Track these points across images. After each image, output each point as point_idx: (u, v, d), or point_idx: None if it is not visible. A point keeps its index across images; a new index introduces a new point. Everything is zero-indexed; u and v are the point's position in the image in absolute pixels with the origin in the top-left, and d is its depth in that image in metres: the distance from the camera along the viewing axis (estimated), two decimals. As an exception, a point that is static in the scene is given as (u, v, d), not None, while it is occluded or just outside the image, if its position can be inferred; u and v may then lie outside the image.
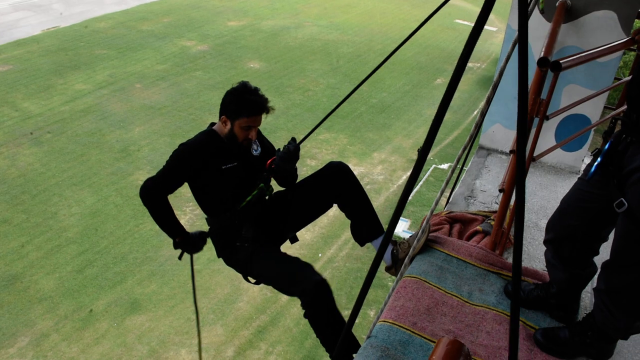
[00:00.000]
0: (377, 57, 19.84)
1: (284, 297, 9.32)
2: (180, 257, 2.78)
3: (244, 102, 2.51)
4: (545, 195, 3.64)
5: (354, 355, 2.48)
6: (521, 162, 0.92)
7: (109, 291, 9.38)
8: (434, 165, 13.38)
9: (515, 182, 0.81)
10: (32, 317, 8.83)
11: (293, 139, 2.66)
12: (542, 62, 2.17)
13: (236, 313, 9.01)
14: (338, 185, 2.70)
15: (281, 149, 2.65)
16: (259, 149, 2.74)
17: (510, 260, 2.81)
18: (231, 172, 2.60)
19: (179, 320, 8.79)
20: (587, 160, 4.11)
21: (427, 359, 2.13)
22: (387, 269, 2.73)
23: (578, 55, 2.30)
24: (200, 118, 14.90)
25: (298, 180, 2.89)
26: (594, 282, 2.30)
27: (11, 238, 10.40)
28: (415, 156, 13.82)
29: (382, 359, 2.08)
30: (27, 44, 18.66)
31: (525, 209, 3.40)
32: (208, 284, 9.36)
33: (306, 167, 12.43)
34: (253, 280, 2.74)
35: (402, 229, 10.80)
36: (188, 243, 2.71)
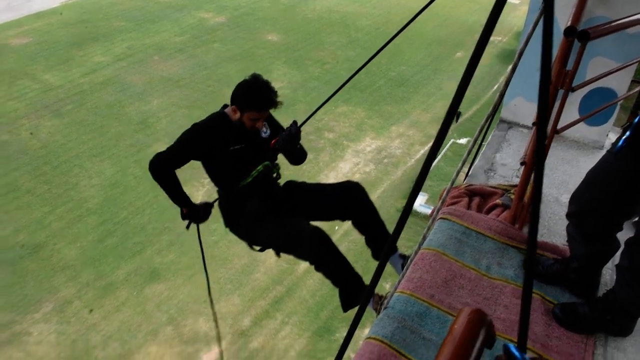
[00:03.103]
0: (396, 30, 19.43)
1: (300, 269, 9.41)
2: (187, 227, 2.95)
3: (255, 98, 2.64)
4: (567, 170, 3.57)
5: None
6: (542, 130, 0.89)
7: (129, 260, 9.56)
8: (452, 140, 13.24)
9: (536, 149, 0.79)
10: (55, 284, 9.07)
11: (294, 122, 2.78)
12: (569, 32, 2.10)
13: (253, 283, 9.14)
14: (351, 206, 2.86)
15: (284, 132, 2.78)
16: (268, 131, 2.88)
17: (529, 234, 2.79)
18: (239, 153, 2.74)
19: (197, 289, 8.94)
20: (612, 135, 4.02)
21: (444, 331, 2.13)
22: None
23: (607, 25, 2.22)
24: (219, 90, 14.88)
25: (316, 183, 3.06)
26: (615, 258, 2.27)
27: (34, 208, 10.61)
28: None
29: (398, 330, 2.08)
30: (47, 16, 18.69)
31: (547, 184, 3.36)
32: (225, 254, 9.48)
33: (324, 140, 12.39)
34: (257, 248, 2.89)
35: (420, 202, 10.77)
36: (194, 213, 2.86)
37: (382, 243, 2.93)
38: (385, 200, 11.21)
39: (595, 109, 3.40)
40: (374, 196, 11.57)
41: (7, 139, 12.56)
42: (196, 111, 13.77)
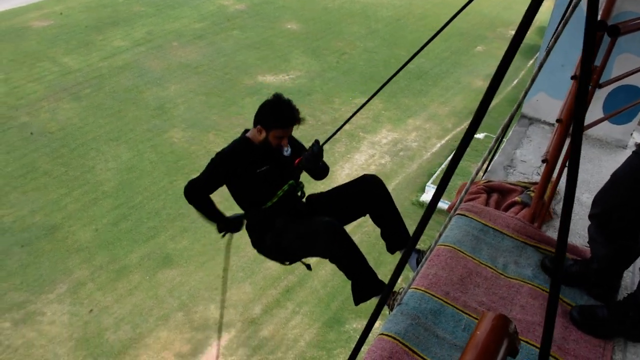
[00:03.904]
0: (417, 21, 19.31)
1: (312, 259, 9.38)
2: (223, 236, 3.09)
3: (279, 116, 2.76)
4: (589, 168, 3.49)
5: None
6: (578, 128, 0.84)
7: (143, 245, 9.63)
8: (470, 135, 13.07)
9: (571, 152, 0.73)
10: (69, 266, 9.17)
11: (316, 141, 2.85)
12: (599, 26, 2.03)
13: (265, 272, 9.15)
14: (371, 199, 2.91)
15: (307, 151, 2.85)
16: (289, 149, 2.96)
17: (549, 233, 2.72)
18: (264, 175, 2.86)
19: (209, 276, 8.99)
20: (636, 135, 3.92)
21: (458, 330, 2.09)
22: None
23: (638, 21, 2.14)
24: (236, 78, 14.87)
25: (333, 187, 3.09)
26: (637, 262, 2.20)
27: (51, 189, 10.73)
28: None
29: (411, 327, 2.04)
30: (68, 0, 18.80)
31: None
32: (238, 242, 9.44)
33: (340, 131, 12.31)
34: (288, 262, 2.96)
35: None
36: (229, 225, 3.01)
37: (398, 237, 2.91)
38: (399, 193, 11.14)
39: (621, 107, 3.31)
40: (388, 188, 11.48)
41: (26, 120, 12.69)
42: (213, 98, 13.79)
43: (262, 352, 8.09)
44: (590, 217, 2.25)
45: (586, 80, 0.75)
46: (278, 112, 2.76)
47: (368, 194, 2.90)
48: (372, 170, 11.72)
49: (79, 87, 14.11)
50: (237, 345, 8.05)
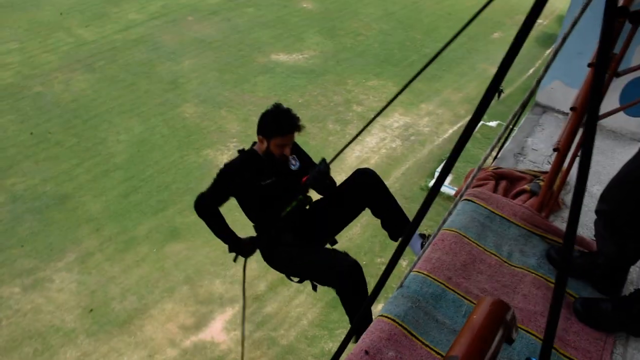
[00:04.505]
0: (433, 5, 19.01)
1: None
2: (235, 260, 3.09)
3: (278, 124, 2.78)
4: (600, 160, 3.44)
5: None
6: (593, 117, 0.82)
7: (151, 218, 9.71)
8: (482, 122, 12.96)
9: (584, 140, 0.72)
10: (79, 235, 9.28)
11: (323, 160, 2.85)
12: (621, 12, 1.98)
13: (271, 251, 9.19)
14: (367, 193, 2.93)
15: (314, 169, 2.85)
16: (297, 163, 3.01)
17: (556, 224, 2.70)
18: (270, 187, 2.88)
19: (216, 251, 9.05)
20: (652, 128, 3.85)
21: (458, 315, 2.09)
22: None
23: (662, 9, 2.08)
24: (250, 55, 14.78)
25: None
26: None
27: (63, 160, 10.81)
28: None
29: (412, 310, 2.05)
30: (84, -31, 18.71)
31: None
32: (245, 220, 9.54)
33: (352, 113, 12.24)
34: (296, 280, 2.99)
35: (444, 183, 10.63)
36: (240, 247, 3.08)
37: (397, 226, 2.92)
38: (409, 178, 11.09)
39: (638, 99, 3.25)
40: (398, 172, 11.46)
41: (40, 90, 12.75)
42: (226, 74, 13.73)
43: (265, 329, 8.17)
44: (597, 212, 2.22)
45: (603, 66, 0.73)
46: (276, 120, 2.78)
47: (363, 187, 2.91)
48: (382, 153, 11.67)
49: (93, 59, 14.12)
50: (241, 320, 8.15)
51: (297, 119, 2.79)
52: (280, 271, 3.04)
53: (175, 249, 9.18)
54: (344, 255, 2.73)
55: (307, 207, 3.00)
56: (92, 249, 9.07)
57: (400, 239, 2.99)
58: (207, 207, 2.90)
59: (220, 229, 2.96)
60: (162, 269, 8.84)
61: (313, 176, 2.79)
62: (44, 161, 10.72)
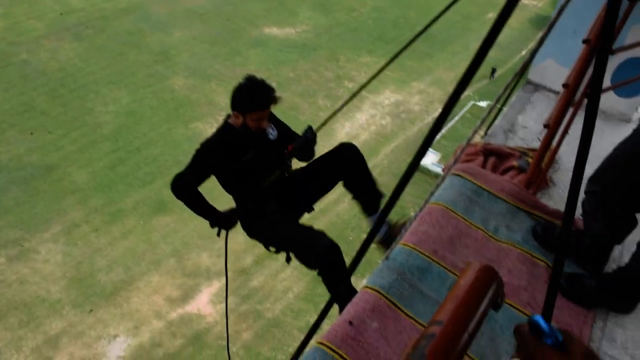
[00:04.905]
0: (430, -18, 18.84)
1: (306, 215, 9.42)
2: (218, 234, 2.97)
3: (252, 99, 2.65)
4: (589, 140, 3.45)
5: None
6: (595, 94, 0.80)
7: (138, 190, 9.65)
8: (472, 102, 12.95)
9: (585, 117, 0.70)
10: (64, 206, 9.20)
11: (310, 128, 2.74)
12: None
13: (258, 225, 9.21)
14: (344, 165, 2.86)
15: (301, 137, 2.74)
16: (275, 132, 2.86)
17: (543, 201, 2.70)
18: (251, 162, 2.77)
19: (203, 225, 8.93)
20: (642, 109, 3.86)
21: (444, 289, 2.09)
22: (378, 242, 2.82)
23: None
24: (242, 27, 14.57)
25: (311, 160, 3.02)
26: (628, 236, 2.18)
27: (49, 129, 10.65)
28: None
29: (397, 283, 2.04)
30: None
31: (566, 152, 3.24)
32: (223, 198, 9.52)
33: (343, 89, 12.16)
34: (273, 249, 2.93)
35: (432, 161, 10.64)
36: (222, 221, 2.93)
37: (371, 200, 2.89)
38: (398, 155, 11.10)
39: (628, 79, 3.24)
40: (387, 150, 11.45)
41: (26, 58, 12.49)
42: (218, 47, 13.54)
43: (251, 302, 8.22)
44: (587, 193, 2.22)
45: (609, 37, 0.70)
46: (250, 95, 2.67)
47: (342, 160, 2.85)
48: (372, 130, 11.64)
49: (81, 28, 13.85)
50: (225, 293, 8.20)
51: (273, 90, 2.64)
52: (259, 241, 3.00)
53: (163, 222, 9.15)
54: (322, 235, 2.67)
55: (287, 175, 2.95)
56: (78, 221, 9.01)
57: (372, 213, 2.98)
58: (186, 187, 2.78)
59: (201, 208, 2.86)
60: (149, 241, 8.82)
61: (300, 144, 2.72)
62: (30, 131, 10.56)
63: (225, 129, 2.80)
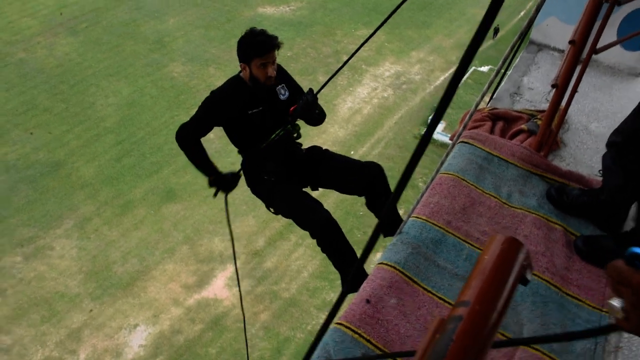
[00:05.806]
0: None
1: (315, 193, 9.41)
2: (215, 195, 2.97)
3: (254, 44, 2.67)
4: (598, 97, 3.37)
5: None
6: None
7: (146, 180, 9.66)
8: (473, 68, 12.77)
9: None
10: (75, 202, 9.24)
11: (310, 90, 2.76)
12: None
13: (268, 206, 9.21)
14: (369, 189, 2.93)
15: (301, 99, 2.75)
16: (287, 93, 2.86)
17: (555, 163, 2.65)
18: (257, 116, 2.78)
19: (213, 210, 9.06)
20: (650, 61, 3.76)
21: (459, 259, 2.07)
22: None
23: None
24: (235, 10, 14.39)
25: (337, 154, 3.04)
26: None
27: (53, 126, 10.65)
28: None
29: (412, 257, 2.02)
30: None
31: (575, 111, 3.18)
32: (224, 164, 9.51)
33: (340, 62, 12.00)
34: (273, 210, 2.96)
35: (437, 129, 10.55)
36: (221, 182, 2.92)
37: (389, 222, 2.90)
38: (402, 127, 11.01)
39: (636, 32, 3.15)
40: (391, 122, 11.35)
41: (23, 57, 12.42)
42: (212, 31, 13.39)
43: (266, 283, 8.28)
44: (609, 145, 2.16)
45: None
46: (252, 42, 2.67)
47: (370, 183, 2.90)
48: (374, 103, 11.53)
49: (75, 22, 13.72)
50: (242, 276, 8.23)
51: (275, 37, 2.66)
52: (261, 198, 3.02)
53: (173, 210, 9.18)
54: (315, 210, 2.73)
55: (295, 135, 2.96)
56: (90, 214, 9.06)
57: (387, 235, 2.97)
58: (190, 136, 2.78)
59: (202, 161, 2.86)
60: (160, 230, 8.86)
61: (300, 106, 2.71)
62: (34, 129, 10.56)
63: (235, 79, 2.81)
